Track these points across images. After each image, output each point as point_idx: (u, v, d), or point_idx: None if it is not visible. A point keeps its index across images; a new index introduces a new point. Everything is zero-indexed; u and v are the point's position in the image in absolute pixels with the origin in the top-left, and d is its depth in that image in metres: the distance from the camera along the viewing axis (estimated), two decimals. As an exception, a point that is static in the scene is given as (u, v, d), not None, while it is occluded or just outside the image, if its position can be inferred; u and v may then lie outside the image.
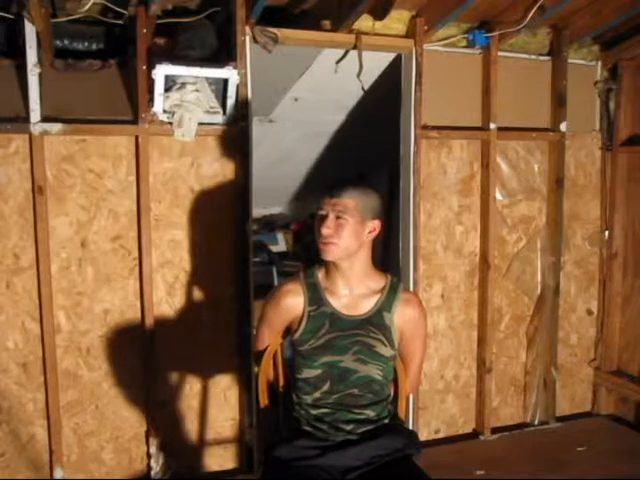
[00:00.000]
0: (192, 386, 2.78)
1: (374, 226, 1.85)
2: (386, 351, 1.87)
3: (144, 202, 2.60)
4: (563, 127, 3.24)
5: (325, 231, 1.80)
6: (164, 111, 2.53)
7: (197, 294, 2.76)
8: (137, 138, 2.57)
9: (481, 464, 2.96)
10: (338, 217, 1.80)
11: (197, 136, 2.60)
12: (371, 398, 1.89)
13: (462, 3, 2.67)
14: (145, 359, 2.68)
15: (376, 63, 3.15)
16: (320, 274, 1.92)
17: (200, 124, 2.58)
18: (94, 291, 2.61)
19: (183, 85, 2.48)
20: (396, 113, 3.06)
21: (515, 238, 3.29)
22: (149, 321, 2.65)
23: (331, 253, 1.81)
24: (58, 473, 2.60)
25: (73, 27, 2.49)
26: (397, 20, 2.90)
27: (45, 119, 2.46)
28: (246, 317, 2.77)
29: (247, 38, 2.62)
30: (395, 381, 1.99)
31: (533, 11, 2.79)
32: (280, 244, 5.07)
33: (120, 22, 2.54)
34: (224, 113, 2.62)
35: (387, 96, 3.17)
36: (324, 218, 1.81)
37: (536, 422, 3.37)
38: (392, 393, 1.99)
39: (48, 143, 2.49)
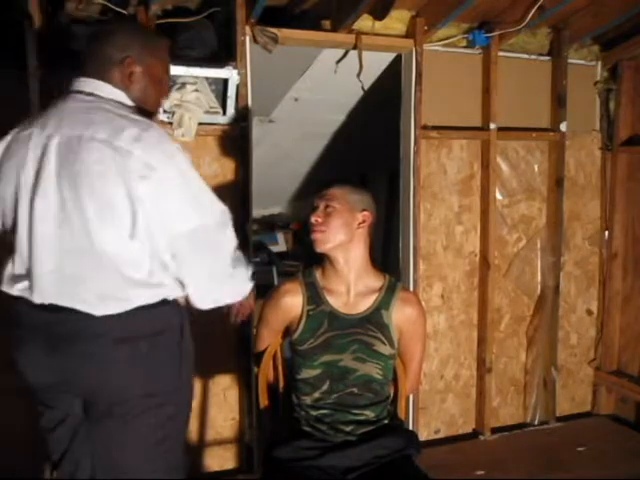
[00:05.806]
0: (192, 386, 2.78)
1: (364, 217, 1.87)
2: (385, 349, 1.87)
3: (144, 202, 2.59)
4: (563, 127, 3.24)
5: (314, 219, 1.85)
6: (164, 111, 2.52)
7: (197, 294, 2.75)
8: (137, 138, 2.57)
9: (481, 464, 2.96)
10: (327, 206, 1.85)
11: (197, 136, 2.59)
12: (371, 398, 1.89)
13: (462, 3, 2.67)
14: (145, 359, 2.67)
15: (376, 63, 3.14)
16: (318, 273, 1.93)
17: (200, 124, 2.57)
18: (94, 291, 2.61)
19: (183, 85, 2.47)
20: (396, 113, 3.06)
21: (515, 238, 3.29)
22: (149, 321, 2.64)
23: (321, 242, 1.84)
24: (58, 473, 2.60)
25: (73, 27, 2.49)
26: (397, 20, 2.90)
27: (45, 119, 2.46)
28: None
29: (247, 38, 2.62)
30: (395, 381, 1.99)
31: (533, 11, 2.79)
32: (280, 244, 5.05)
33: (120, 22, 2.54)
34: (224, 113, 2.62)
35: (387, 96, 3.16)
36: (314, 209, 1.87)
37: (536, 422, 3.36)
38: (392, 394, 1.99)
39: (48, 143, 2.49)
